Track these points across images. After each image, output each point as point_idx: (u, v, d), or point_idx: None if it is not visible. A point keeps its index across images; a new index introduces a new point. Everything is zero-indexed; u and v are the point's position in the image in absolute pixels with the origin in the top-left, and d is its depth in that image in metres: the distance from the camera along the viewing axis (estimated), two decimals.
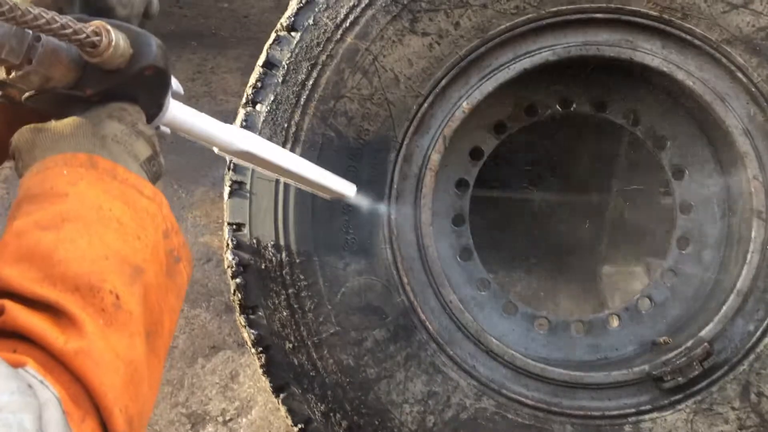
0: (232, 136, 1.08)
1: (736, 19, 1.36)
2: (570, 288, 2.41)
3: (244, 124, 1.39)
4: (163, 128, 1.01)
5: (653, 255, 2.08)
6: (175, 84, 1.00)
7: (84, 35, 0.80)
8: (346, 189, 1.32)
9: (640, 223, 2.17)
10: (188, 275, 0.92)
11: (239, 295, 1.40)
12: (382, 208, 1.39)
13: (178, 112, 0.99)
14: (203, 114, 1.04)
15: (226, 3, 4.49)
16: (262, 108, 1.39)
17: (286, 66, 1.38)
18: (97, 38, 0.81)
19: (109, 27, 0.83)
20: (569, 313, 2.29)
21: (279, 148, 1.20)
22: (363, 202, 1.38)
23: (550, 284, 2.42)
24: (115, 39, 0.83)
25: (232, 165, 1.40)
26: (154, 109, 0.95)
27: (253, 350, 1.42)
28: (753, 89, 1.38)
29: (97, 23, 0.83)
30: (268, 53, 1.39)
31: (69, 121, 0.87)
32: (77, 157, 0.82)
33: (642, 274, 2.29)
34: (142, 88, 0.91)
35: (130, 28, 0.88)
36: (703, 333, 1.39)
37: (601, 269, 2.33)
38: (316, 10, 1.37)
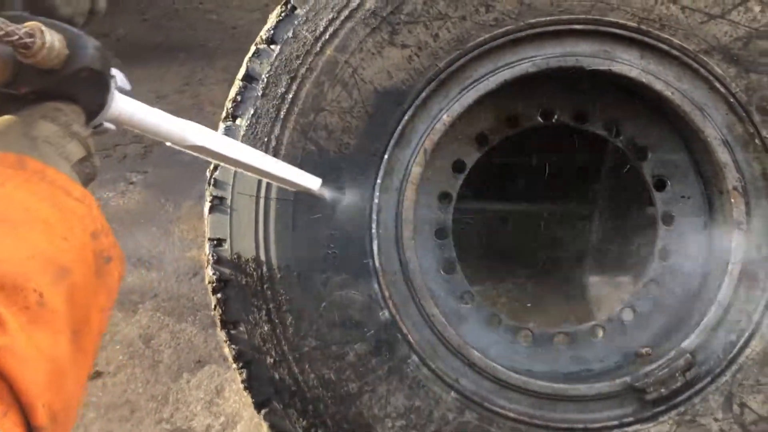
0: (184, 130, 1.05)
1: (714, 29, 1.37)
2: (557, 299, 2.41)
3: None
4: (107, 124, 0.99)
5: (638, 265, 2.08)
6: (120, 80, 0.99)
7: (17, 37, 0.79)
8: (310, 182, 1.29)
9: (626, 234, 2.17)
10: (120, 275, 0.92)
11: (220, 310, 1.39)
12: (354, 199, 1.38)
13: (125, 107, 0.97)
14: (154, 109, 1.02)
15: (214, 15, 4.50)
16: (242, 122, 1.38)
17: (265, 79, 1.37)
18: (31, 40, 0.80)
19: (43, 28, 0.82)
20: (557, 324, 2.28)
21: (235, 143, 1.17)
22: (329, 194, 1.36)
23: (538, 295, 2.41)
24: (49, 41, 0.82)
25: (212, 180, 1.40)
26: (94, 107, 0.94)
27: (234, 366, 1.40)
28: (731, 99, 1.38)
29: (31, 24, 0.82)
30: (247, 66, 1.39)
31: (1, 120, 0.87)
32: (7, 158, 0.83)
33: (629, 284, 2.29)
34: (81, 88, 0.91)
35: (67, 29, 0.87)
36: (685, 344, 1.39)
37: (588, 279, 2.33)
38: (296, 23, 1.38)
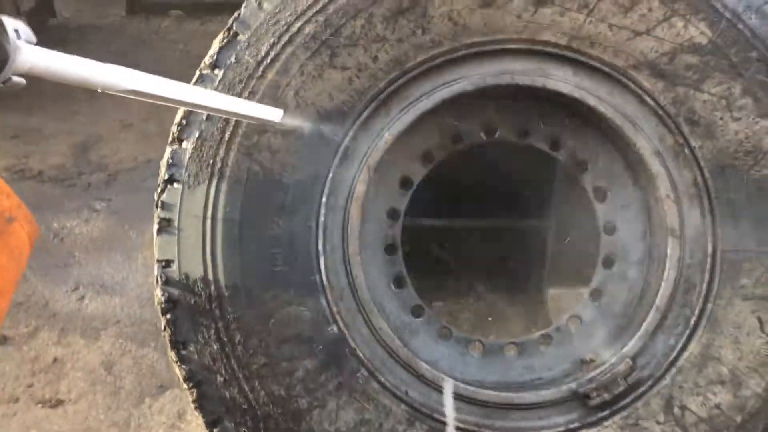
0: (116, 76, 1.05)
1: (641, 45, 1.43)
2: (518, 312, 2.45)
3: (170, 161, 1.42)
4: (17, 79, 0.99)
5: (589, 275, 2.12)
6: (24, 34, 0.99)
7: None
8: (271, 114, 1.29)
9: (579, 245, 2.21)
10: (29, 235, 0.95)
11: (169, 330, 1.41)
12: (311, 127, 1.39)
13: (37, 59, 0.97)
14: (75, 57, 1.01)
15: (181, 45, 4.54)
16: (187, 145, 1.41)
17: None
18: None
19: None
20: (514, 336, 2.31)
21: (174, 83, 1.16)
22: (293, 122, 1.37)
23: (499, 310, 2.45)
24: None
25: (159, 203, 1.42)
26: None
27: (185, 386, 1.42)
28: (660, 112, 1.43)
29: None
30: None
31: None
32: None
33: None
34: None
35: None
36: (625, 349, 1.43)
37: (547, 292, 2.37)
38: (238, 48, 1.42)
